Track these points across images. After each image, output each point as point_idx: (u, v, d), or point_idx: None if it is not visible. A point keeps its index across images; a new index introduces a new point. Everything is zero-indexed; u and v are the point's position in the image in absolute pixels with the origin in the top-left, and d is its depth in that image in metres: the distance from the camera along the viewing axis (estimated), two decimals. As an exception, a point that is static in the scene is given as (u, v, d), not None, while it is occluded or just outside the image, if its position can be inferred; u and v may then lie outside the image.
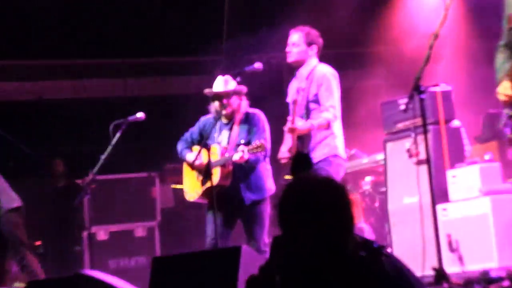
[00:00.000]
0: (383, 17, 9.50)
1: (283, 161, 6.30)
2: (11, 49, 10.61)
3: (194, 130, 6.80)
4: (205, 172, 6.52)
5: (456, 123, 7.03)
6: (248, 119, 6.58)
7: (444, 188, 6.61)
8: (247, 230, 6.54)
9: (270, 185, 6.61)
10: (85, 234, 9.11)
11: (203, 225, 6.65)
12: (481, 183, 6.44)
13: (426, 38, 5.41)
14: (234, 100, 6.56)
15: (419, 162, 6.70)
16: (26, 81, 11.38)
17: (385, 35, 9.34)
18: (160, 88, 11.83)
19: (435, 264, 5.14)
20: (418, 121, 6.10)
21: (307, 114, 6.26)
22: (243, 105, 6.60)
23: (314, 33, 6.46)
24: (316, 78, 6.30)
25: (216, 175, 6.39)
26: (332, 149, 6.23)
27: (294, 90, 6.47)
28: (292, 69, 6.56)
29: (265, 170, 6.59)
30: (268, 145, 6.51)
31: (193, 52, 11.02)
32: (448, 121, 6.91)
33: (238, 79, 6.40)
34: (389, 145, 7.22)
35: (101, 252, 9.05)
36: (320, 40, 6.46)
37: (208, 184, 6.45)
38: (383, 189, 7.73)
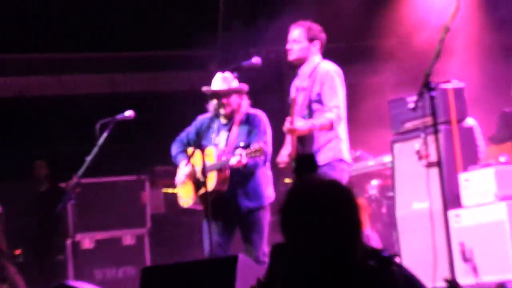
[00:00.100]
0: (391, 8, 9.50)
1: (281, 165, 6.29)
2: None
3: (191, 130, 6.79)
4: (198, 178, 6.52)
5: (469, 121, 7.03)
6: (248, 120, 6.57)
7: (457, 193, 6.61)
8: (245, 238, 6.53)
9: (269, 193, 6.60)
10: (69, 242, 9.11)
11: (196, 233, 6.66)
12: (496, 187, 6.44)
13: (437, 31, 5.41)
14: (234, 99, 6.55)
15: (429, 165, 6.71)
16: (4, 76, 11.38)
17: (393, 28, 9.34)
18: (150, 84, 11.83)
19: (447, 275, 5.14)
20: (428, 120, 6.11)
21: (310, 115, 6.26)
22: (244, 105, 6.60)
23: (316, 28, 6.45)
24: (319, 76, 6.30)
25: (212, 180, 6.38)
26: (337, 153, 6.23)
27: (294, 89, 6.47)
28: (293, 66, 6.55)
29: (265, 176, 6.58)
30: (269, 149, 6.50)
31: (186, 46, 11.02)
32: (460, 120, 6.91)
33: (235, 75, 6.39)
34: (397, 146, 7.23)
35: (86, 261, 9.04)
36: (323, 35, 6.45)
37: (203, 190, 6.44)
38: (391, 193, 7.73)
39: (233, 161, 6.24)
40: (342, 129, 6.29)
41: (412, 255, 6.69)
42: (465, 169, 6.73)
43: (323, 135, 6.22)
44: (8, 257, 7.23)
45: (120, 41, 11.13)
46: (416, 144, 6.91)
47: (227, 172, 6.41)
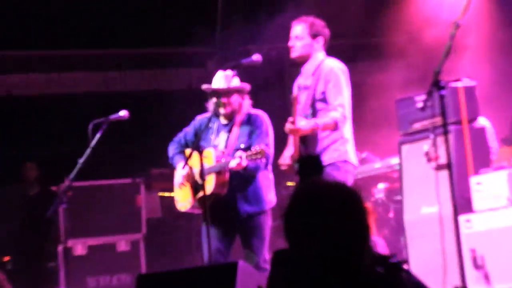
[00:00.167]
0: (400, 2, 9.50)
1: (283, 167, 6.29)
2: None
3: (189, 130, 6.79)
4: (196, 181, 6.52)
5: (482, 121, 7.03)
6: (249, 121, 6.57)
7: (467, 197, 6.61)
8: (245, 244, 6.54)
9: (270, 197, 6.60)
10: (60, 248, 9.11)
11: (194, 238, 6.66)
12: (509, 191, 6.44)
13: (447, 27, 5.41)
14: (235, 98, 6.55)
15: (438, 167, 6.71)
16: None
17: (401, 24, 9.34)
18: (146, 83, 11.83)
19: (458, 282, 5.14)
20: (438, 120, 6.10)
21: (313, 114, 6.26)
22: (245, 105, 6.60)
23: (319, 23, 6.45)
24: (323, 74, 6.31)
25: (211, 183, 6.39)
26: (342, 154, 6.23)
27: (296, 89, 6.47)
28: (296, 63, 6.56)
29: (266, 179, 6.58)
30: (271, 151, 6.50)
31: (183, 43, 11.02)
32: (471, 120, 6.91)
33: (234, 73, 6.40)
34: (405, 148, 7.23)
35: (79, 269, 9.04)
36: (327, 31, 6.46)
37: (201, 193, 6.44)
38: (398, 197, 7.73)
39: (233, 163, 6.24)
40: (347, 129, 6.29)
41: (421, 262, 6.69)
42: (476, 172, 6.74)
43: (327, 136, 6.22)
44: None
45: (114, 37, 11.13)
46: (425, 145, 6.91)
47: (227, 175, 6.41)
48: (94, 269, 9.19)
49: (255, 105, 6.76)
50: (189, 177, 6.61)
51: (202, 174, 6.17)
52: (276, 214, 6.73)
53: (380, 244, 8.42)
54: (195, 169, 6.54)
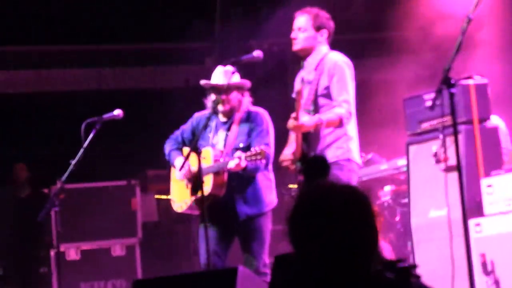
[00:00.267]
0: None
1: (284, 163, 6.30)
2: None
3: (186, 128, 6.82)
4: (195, 179, 6.55)
5: (495, 120, 7.04)
6: (249, 119, 6.60)
7: (478, 200, 6.63)
8: (244, 248, 6.57)
9: (271, 198, 6.63)
10: (52, 253, 9.14)
11: (192, 242, 6.69)
12: (521, 194, 6.47)
13: (459, 22, 5.43)
14: (234, 95, 6.58)
15: (448, 169, 6.73)
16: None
17: (411, 18, 9.35)
18: (141, 80, 11.86)
19: (467, 289, 5.18)
20: (447, 120, 6.12)
21: (316, 111, 6.29)
22: (245, 103, 6.63)
23: (324, 15, 6.48)
24: (327, 68, 6.34)
25: (208, 183, 6.42)
26: (346, 152, 6.27)
27: (299, 81, 6.50)
28: (298, 59, 6.59)
29: (266, 180, 6.61)
30: (271, 151, 6.53)
31: (181, 38, 11.05)
32: (483, 120, 6.92)
33: (234, 69, 6.42)
34: (413, 149, 7.25)
35: (72, 274, 9.07)
36: (331, 24, 6.49)
37: (199, 194, 6.47)
38: (405, 200, 7.75)
39: (232, 164, 6.27)
40: (351, 127, 6.33)
41: (429, 267, 6.71)
42: (487, 174, 6.75)
43: (330, 133, 6.25)
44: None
45: (108, 32, 11.15)
46: (434, 146, 6.93)
47: (225, 176, 6.44)
48: (88, 275, 9.22)
49: (256, 102, 6.79)
50: (187, 175, 6.64)
51: (200, 176, 6.20)
52: (279, 217, 6.75)
53: (386, 248, 8.44)
54: (192, 167, 6.57)
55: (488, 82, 6.99)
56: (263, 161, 6.29)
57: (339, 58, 6.39)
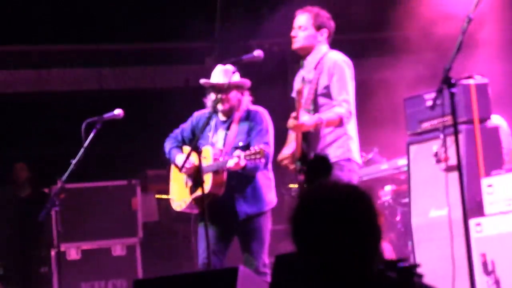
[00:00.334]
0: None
1: (283, 163, 6.30)
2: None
3: (186, 127, 6.84)
4: (194, 178, 6.56)
5: (497, 120, 7.04)
6: (249, 118, 6.61)
7: (478, 200, 6.64)
8: (244, 247, 6.58)
9: (270, 197, 6.64)
10: (53, 253, 9.15)
11: (192, 242, 6.68)
12: (522, 193, 6.47)
13: (460, 22, 5.44)
14: (233, 94, 6.59)
15: (448, 169, 6.73)
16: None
17: (411, 18, 9.35)
18: (142, 80, 11.85)
19: (468, 288, 5.18)
20: (448, 119, 6.13)
21: (316, 110, 6.30)
22: (245, 102, 6.64)
23: (325, 14, 6.50)
24: (326, 68, 6.35)
25: (207, 182, 6.43)
26: (346, 152, 6.28)
27: (300, 80, 6.51)
28: (298, 58, 6.60)
29: (266, 179, 6.62)
30: (271, 150, 6.54)
31: (181, 38, 11.04)
32: (483, 119, 6.92)
33: (234, 69, 6.43)
34: (413, 148, 7.25)
35: (72, 274, 9.07)
36: (332, 24, 6.50)
37: (198, 192, 6.48)
38: (406, 200, 7.76)
39: (231, 163, 6.28)
40: (351, 126, 6.34)
41: (429, 267, 6.71)
42: (488, 173, 6.75)
43: (330, 132, 6.26)
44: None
45: (107, 32, 11.14)
46: (434, 146, 6.93)
47: (224, 175, 6.45)
48: (88, 274, 9.23)
49: (256, 101, 6.80)
50: (190, 172, 6.64)
51: (201, 175, 6.21)
52: (277, 216, 6.76)
53: (386, 249, 8.44)
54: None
55: (488, 82, 7.00)
56: (263, 160, 6.29)
57: (339, 57, 6.40)
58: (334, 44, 6.56)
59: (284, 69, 10.77)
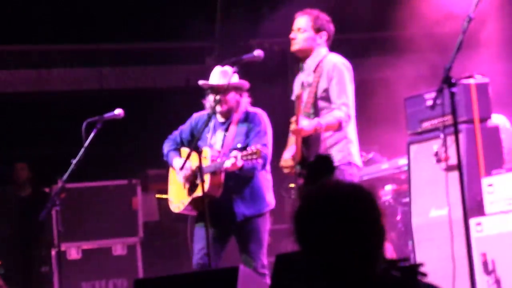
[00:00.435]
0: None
1: (285, 170, 6.32)
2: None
3: (185, 128, 6.84)
4: (192, 180, 6.56)
5: (500, 120, 7.04)
6: (247, 119, 6.61)
7: (479, 199, 6.64)
8: (242, 249, 6.58)
9: (269, 199, 6.64)
10: (53, 252, 9.16)
11: (189, 243, 6.69)
12: (522, 193, 6.48)
13: (461, 21, 5.44)
14: (232, 96, 6.59)
15: (449, 168, 6.74)
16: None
17: (412, 17, 9.36)
18: (142, 79, 11.86)
19: (468, 288, 5.19)
20: (448, 119, 6.13)
21: (316, 114, 6.30)
22: (243, 103, 6.64)
23: (324, 17, 6.50)
24: (326, 71, 6.34)
25: (205, 183, 6.42)
26: (346, 156, 6.28)
27: (299, 84, 6.51)
28: (298, 58, 6.60)
29: (264, 180, 6.62)
30: (269, 151, 6.54)
31: (181, 37, 11.05)
32: (484, 119, 6.93)
33: (235, 69, 6.42)
34: (414, 148, 7.26)
35: (73, 273, 9.09)
36: (331, 27, 6.50)
37: (196, 193, 6.49)
38: (406, 200, 7.76)
39: (228, 163, 6.27)
40: (351, 129, 6.34)
41: (429, 267, 6.67)
42: (488, 173, 6.75)
43: (330, 136, 6.26)
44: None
45: (107, 31, 11.15)
46: (435, 145, 6.94)
47: (222, 176, 6.44)
48: (89, 274, 9.24)
49: (257, 101, 6.80)
50: (184, 177, 6.65)
51: (201, 175, 6.21)
52: (278, 216, 6.77)
53: (387, 248, 8.45)
54: (192, 168, 6.58)
55: (489, 81, 7.00)
56: (260, 161, 6.29)
57: (338, 60, 6.39)
58: (335, 43, 6.56)
59: (285, 69, 10.78)
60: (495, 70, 8.10)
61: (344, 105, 6.24)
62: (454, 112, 5.32)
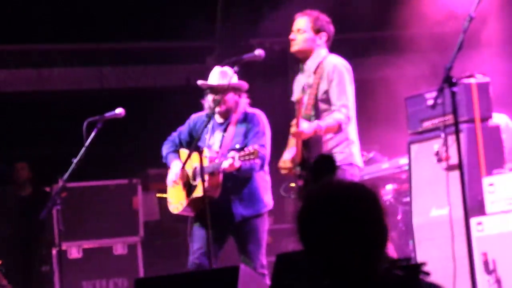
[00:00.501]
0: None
1: (283, 171, 6.31)
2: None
3: (183, 129, 6.84)
4: (189, 181, 6.56)
5: (503, 119, 7.04)
6: (246, 120, 6.60)
7: (479, 199, 6.64)
8: (241, 249, 6.58)
9: (267, 200, 6.63)
10: (54, 251, 9.17)
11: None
12: (523, 192, 6.48)
13: (462, 20, 5.44)
14: (230, 96, 6.57)
15: (449, 168, 6.74)
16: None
17: (413, 16, 9.36)
18: (143, 79, 11.87)
19: (468, 287, 5.19)
20: (449, 119, 6.14)
21: (316, 115, 6.30)
22: (242, 104, 6.63)
23: (324, 18, 6.49)
24: (326, 72, 6.34)
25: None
26: (348, 156, 6.28)
27: (300, 87, 6.50)
28: (299, 59, 6.59)
29: (262, 181, 6.62)
30: (267, 152, 6.53)
31: (182, 37, 11.05)
32: (485, 118, 6.93)
33: (235, 68, 6.42)
34: (414, 147, 7.26)
35: (74, 272, 9.10)
36: (331, 27, 6.49)
37: (195, 194, 6.49)
38: (407, 199, 7.76)
39: (225, 164, 6.26)
40: (352, 130, 6.34)
41: (430, 266, 6.70)
42: (489, 172, 6.76)
43: (331, 138, 6.26)
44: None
45: (108, 31, 11.16)
46: (436, 145, 6.94)
47: (220, 177, 6.43)
48: (89, 273, 9.25)
49: (257, 101, 6.80)
50: (183, 177, 6.65)
51: (203, 174, 6.21)
52: (278, 216, 6.77)
53: (388, 248, 8.44)
54: (188, 169, 6.59)
55: (490, 81, 7.00)
56: (257, 161, 6.28)
57: (338, 62, 6.39)
58: (336, 43, 6.56)
59: (285, 69, 10.78)
60: (496, 69, 8.11)
61: (343, 106, 6.24)
62: (455, 112, 5.33)
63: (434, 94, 5.49)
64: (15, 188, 10.41)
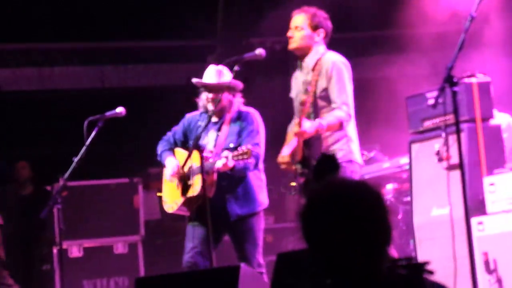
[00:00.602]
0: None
1: (282, 166, 6.31)
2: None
3: (178, 129, 6.83)
4: (185, 180, 6.57)
5: (505, 119, 7.04)
6: (240, 119, 6.59)
7: (480, 198, 6.64)
8: (237, 249, 6.58)
9: (262, 198, 6.63)
10: (55, 250, 9.17)
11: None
12: (524, 192, 6.48)
13: (463, 20, 5.44)
14: (225, 95, 6.56)
15: (450, 167, 6.74)
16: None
17: (414, 16, 9.36)
18: (143, 78, 11.87)
19: (469, 287, 5.19)
20: (450, 118, 6.14)
21: (315, 113, 6.29)
22: (236, 103, 6.61)
23: (322, 15, 6.47)
24: (324, 69, 6.33)
25: (197, 184, 6.41)
26: (347, 154, 6.28)
27: (299, 84, 6.50)
28: (296, 57, 6.58)
29: (257, 180, 6.61)
30: (261, 150, 6.52)
31: (183, 36, 11.05)
32: (486, 118, 6.93)
33: (237, 68, 6.40)
34: (415, 147, 7.26)
35: (75, 271, 9.10)
36: (329, 24, 6.47)
37: (190, 193, 6.49)
38: (408, 198, 7.77)
39: (219, 164, 6.26)
40: (351, 128, 6.34)
41: (431, 266, 6.70)
42: (490, 172, 6.76)
43: (331, 135, 6.26)
44: (6, 268, 7.38)
45: (109, 30, 11.16)
46: (436, 144, 6.94)
47: (214, 176, 6.42)
48: (90, 272, 9.26)
49: (259, 100, 6.79)
50: (178, 175, 6.65)
51: (203, 172, 6.21)
52: (278, 215, 6.76)
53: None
54: (184, 168, 6.59)
55: (491, 80, 7.00)
56: (251, 161, 6.28)
57: (337, 59, 6.37)
58: (336, 42, 6.55)
59: (285, 66, 10.78)
60: (497, 69, 8.10)
61: (344, 104, 6.24)
62: (456, 111, 5.32)
63: (435, 93, 5.49)
64: (16, 187, 10.41)
